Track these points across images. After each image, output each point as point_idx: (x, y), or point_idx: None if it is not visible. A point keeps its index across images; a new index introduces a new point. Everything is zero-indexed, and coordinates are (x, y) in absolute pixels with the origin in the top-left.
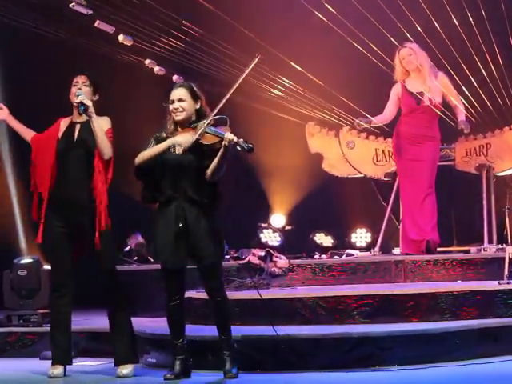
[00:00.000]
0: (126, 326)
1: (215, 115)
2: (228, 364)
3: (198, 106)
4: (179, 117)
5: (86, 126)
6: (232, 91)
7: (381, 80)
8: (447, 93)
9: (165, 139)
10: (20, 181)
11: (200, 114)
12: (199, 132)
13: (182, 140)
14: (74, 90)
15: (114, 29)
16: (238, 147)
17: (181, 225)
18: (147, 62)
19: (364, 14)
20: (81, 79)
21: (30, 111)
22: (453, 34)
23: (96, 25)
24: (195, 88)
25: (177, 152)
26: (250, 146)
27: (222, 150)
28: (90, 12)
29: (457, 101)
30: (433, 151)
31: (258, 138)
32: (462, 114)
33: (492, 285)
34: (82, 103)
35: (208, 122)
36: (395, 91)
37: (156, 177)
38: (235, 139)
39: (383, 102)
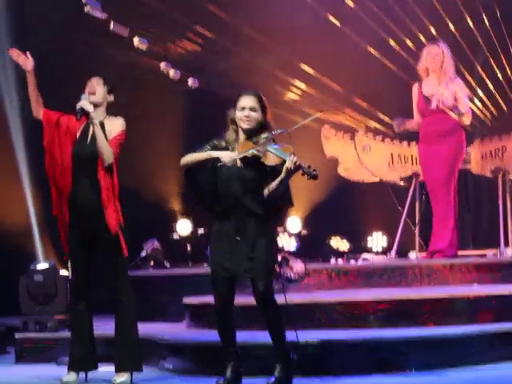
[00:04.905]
0: (131, 334)
1: (275, 132)
2: (276, 372)
3: (262, 118)
4: (247, 125)
5: (100, 127)
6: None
7: (397, 82)
8: (459, 95)
9: (224, 148)
10: (36, 184)
11: (263, 126)
12: (257, 148)
13: (224, 156)
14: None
15: (128, 30)
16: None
17: (238, 238)
18: (162, 65)
19: (377, 16)
20: (95, 80)
21: None
22: (468, 36)
23: (111, 28)
24: (264, 98)
25: (222, 164)
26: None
27: (284, 173)
28: (106, 16)
29: (465, 103)
30: (452, 149)
31: None
32: (462, 107)
33: (508, 289)
34: (81, 109)
35: (268, 138)
36: (414, 93)
37: (215, 188)
38: (298, 163)
39: (398, 104)
